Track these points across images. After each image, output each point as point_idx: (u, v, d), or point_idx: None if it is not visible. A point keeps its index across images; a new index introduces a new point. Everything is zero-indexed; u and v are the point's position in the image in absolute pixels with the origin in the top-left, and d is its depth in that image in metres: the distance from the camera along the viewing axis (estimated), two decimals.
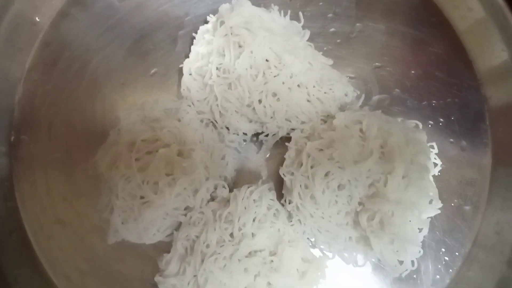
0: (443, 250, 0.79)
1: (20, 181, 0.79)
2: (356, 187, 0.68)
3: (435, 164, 0.76)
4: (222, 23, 0.76)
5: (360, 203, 0.69)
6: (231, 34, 0.75)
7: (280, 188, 0.78)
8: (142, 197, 0.70)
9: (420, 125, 0.77)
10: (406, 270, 0.69)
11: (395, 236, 0.65)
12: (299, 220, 0.73)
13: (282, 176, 0.74)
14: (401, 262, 0.68)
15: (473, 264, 0.79)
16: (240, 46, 0.76)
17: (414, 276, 0.78)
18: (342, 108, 0.79)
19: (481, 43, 0.84)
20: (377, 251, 0.67)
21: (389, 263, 0.68)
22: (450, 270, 0.79)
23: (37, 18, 0.82)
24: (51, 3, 0.84)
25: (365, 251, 0.71)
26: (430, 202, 0.69)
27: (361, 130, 0.70)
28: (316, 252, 0.76)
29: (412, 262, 0.69)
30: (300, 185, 0.71)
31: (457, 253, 0.80)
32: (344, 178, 0.67)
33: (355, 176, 0.67)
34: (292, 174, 0.73)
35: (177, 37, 0.86)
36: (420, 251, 0.69)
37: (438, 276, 0.79)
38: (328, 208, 0.69)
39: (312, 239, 0.75)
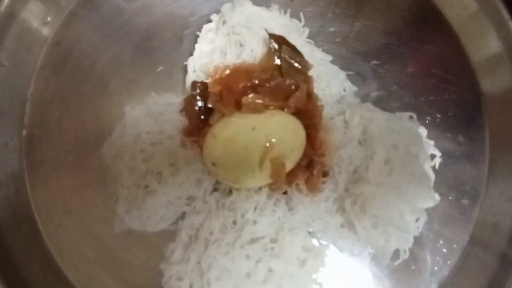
0: (441, 242, 0.81)
1: (31, 173, 0.81)
2: (340, 173, 0.71)
3: (434, 156, 0.78)
4: (224, 22, 0.80)
5: (346, 190, 0.71)
6: (233, 33, 0.78)
7: None
8: (146, 187, 0.73)
9: (415, 116, 0.80)
10: (399, 259, 0.72)
11: (377, 219, 0.68)
12: (292, 208, 0.75)
13: None
14: (385, 248, 0.70)
15: (470, 255, 0.81)
16: (241, 45, 0.79)
17: (413, 267, 0.79)
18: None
19: (476, 39, 0.86)
20: (362, 236, 0.69)
21: (375, 248, 0.70)
22: (448, 262, 0.81)
23: (48, 18, 0.86)
24: (61, 4, 0.87)
25: (357, 239, 0.73)
26: (423, 190, 0.71)
27: (345, 121, 0.74)
28: (315, 242, 0.77)
29: (404, 251, 0.72)
30: None
31: (455, 245, 0.81)
32: (327, 165, 0.70)
33: (337, 162, 0.70)
34: None
35: (182, 36, 0.88)
36: (411, 240, 0.71)
37: (436, 268, 0.80)
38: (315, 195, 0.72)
39: (310, 229, 0.77)
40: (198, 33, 0.85)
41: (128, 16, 0.89)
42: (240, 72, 0.75)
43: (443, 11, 0.90)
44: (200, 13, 0.89)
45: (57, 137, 0.83)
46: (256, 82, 0.73)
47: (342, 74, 0.84)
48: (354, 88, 0.85)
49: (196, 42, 0.85)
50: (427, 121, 0.85)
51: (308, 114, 0.74)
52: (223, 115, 0.73)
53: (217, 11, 0.85)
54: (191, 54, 0.85)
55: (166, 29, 0.89)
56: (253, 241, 0.71)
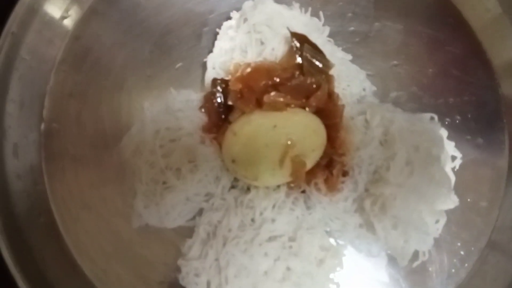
0: (459, 244, 0.80)
1: (49, 167, 0.82)
2: (360, 173, 0.71)
3: (454, 157, 0.78)
4: (245, 20, 0.80)
5: (366, 190, 0.71)
6: (254, 31, 0.78)
7: None
8: (164, 182, 0.73)
9: (436, 118, 0.79)
10: (418, 260, 0.72)
11: (397, 219, 0.68)
12: (310, 207, 0.75)
13: None
14: (405, 250, 0.70)
15: (488, 258, 0.80)
16: (262, 43, 0.79)
17: (430, 269, 0.79)
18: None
19: (497, 41, 0.86)
20: (381, 236, 0.69)
21: (394, 249, 0.70)
22: (466, 265, 0.80)
23: (69, 12, 0.86)
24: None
25: (375, 240, 0.73)
26: (443, 192, 0.71)
27: (366, 121, 0.73)
28: (333, 242, 0.77)
29: (423, 252, 0.71)
30: None
31: (472, 248, 0.80)
32: (347, 165, 0.70)
33: (358, 162, 0.70)
34: None
35: (201, 33, 0.88)
36: (431, 241, 0.70)
37: (453, 270, 0.79)
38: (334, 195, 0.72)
39: (328, 229, 0.77)
40: (217, 30, 0.85)
41: (147, 12, 0.89)
42: (261, 70, 0.74)
43: (463, 13, 0.89)
44: (219, 10, 0.89)
45: (76, 131, 0.83)
46: (277, 80, 0.73)
47: (362, 74, 0.84)
48: (374, 88, 0.84)
49: (215, 39, 0.85)
50: (446, 123, 0.84)
51: (329, 113, 0.74)
52: (243, 113, 0.73)
53: (237, 9, 0.85)
54: (210, 51, 0.85)
55: (185, 26, 0.89)
56: (271, 239, 0.70)
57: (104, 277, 0.78)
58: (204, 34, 0.89)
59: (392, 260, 0.78)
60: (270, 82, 0.73)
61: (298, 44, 0.75)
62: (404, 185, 0.67)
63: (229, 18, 0.86)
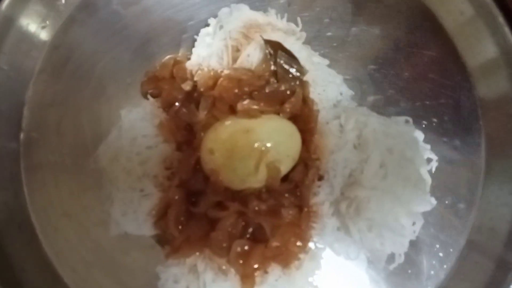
0: (437, 246, 0.81)
1: (29, 176, 0.81)
2: (335, 177, 0.71)
3: (430, 160, 0.79)
4: (221, 27, 0.81)
5: (341, 193, 0.72)
6: (229, 38, 0.79)
7: None
8: (141, 190, 0.73)
9: (410, 120, 0.80)
10: (394, 263, 0.72)
11: (372, 222, 0.69)
12: None
13: None
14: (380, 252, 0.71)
15: (467, 259, 0.81)
16: (238, 50, 0.80)
17: (409, 271, 0.80)
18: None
19: (472, 44, 0.86)
20: (357, 239, 0.70)
21: (371, 251, 0.70)
22: (445, 266, 0.81)
23: (47, 22, 0.87)
24: (60, 9, 0.88)
25: (353, 242, 0.73)
26: (419, 194, 0.72)
27: (341, 125, 0.74)
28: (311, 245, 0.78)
29: (399, 254, 0.72)
30: None
31: (451, 249, 0.81)
32: (322, 168, 0.71)
33: (332, 166, 0.71)
34: None
35: (180, 41, 0.89)
36: (406, 244, 0.71)
37: (432, 272, 0.80)
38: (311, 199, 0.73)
39: None
40: (196, 37, 0.86)
41: (127, 21, 0.89)
42: (234, 80, 0.75)
43: (439, 16, 0.90)
44: (198, 17, 0.89)
45: (55, 140, 0.83)
46: (249, 90, 0.74)
47: (338, 79, 0.84)
48: (351, 92, 0.85)
49: (193, 46, 0.86)
50: (424, 126, 0.85)
51: (303, 119, 0.75)
52: (217, 120, 0.74)
53: (215, 16, 0.86)
54: (189, 59, 0.85)
55: (165, 34, 0.89)
56: None
57: (85, 286, 0.78)
58: (183, 42, 0.89)
59: (372, 262, 0.79)
60: (241, 92, 0.74)
61: (272, 51, 0.76)
62: (378, 187, 0.68)
63: (208, 25, 0.86)
